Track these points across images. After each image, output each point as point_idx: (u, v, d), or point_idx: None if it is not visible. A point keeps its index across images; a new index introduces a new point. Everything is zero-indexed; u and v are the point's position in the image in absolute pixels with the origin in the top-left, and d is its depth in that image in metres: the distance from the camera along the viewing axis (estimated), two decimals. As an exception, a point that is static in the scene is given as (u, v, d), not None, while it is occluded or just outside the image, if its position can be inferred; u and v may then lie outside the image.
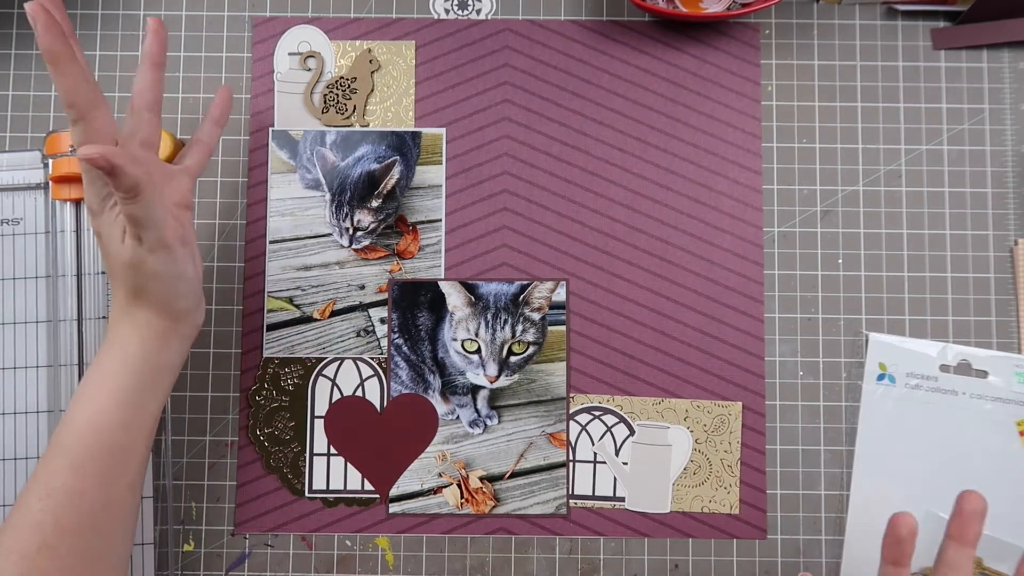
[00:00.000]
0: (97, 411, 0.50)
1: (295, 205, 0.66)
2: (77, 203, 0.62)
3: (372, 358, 0.65)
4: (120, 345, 0.52)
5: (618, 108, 0.66)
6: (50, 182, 0.62)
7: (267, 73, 0.66)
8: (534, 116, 0.66)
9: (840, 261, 0.66)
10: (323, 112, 0.66)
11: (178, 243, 0.51)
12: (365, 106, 0.66)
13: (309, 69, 0.66)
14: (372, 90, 0.66)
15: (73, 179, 0.61)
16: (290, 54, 0.67)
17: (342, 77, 0.66)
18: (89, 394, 0.50)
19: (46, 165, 0.62)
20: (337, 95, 0.66)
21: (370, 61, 0.66)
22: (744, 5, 0.65)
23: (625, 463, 0.64)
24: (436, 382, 0.64)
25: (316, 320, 0.65)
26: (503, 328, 0.64)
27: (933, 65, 0.67)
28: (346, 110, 0.66)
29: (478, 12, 0.67)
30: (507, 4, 0.67)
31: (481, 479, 0.64)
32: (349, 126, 0.66)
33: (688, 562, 0.63)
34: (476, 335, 0.64)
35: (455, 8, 0.67)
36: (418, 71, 0.67)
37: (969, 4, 0.65)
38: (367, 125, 0.66)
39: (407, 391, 0.64)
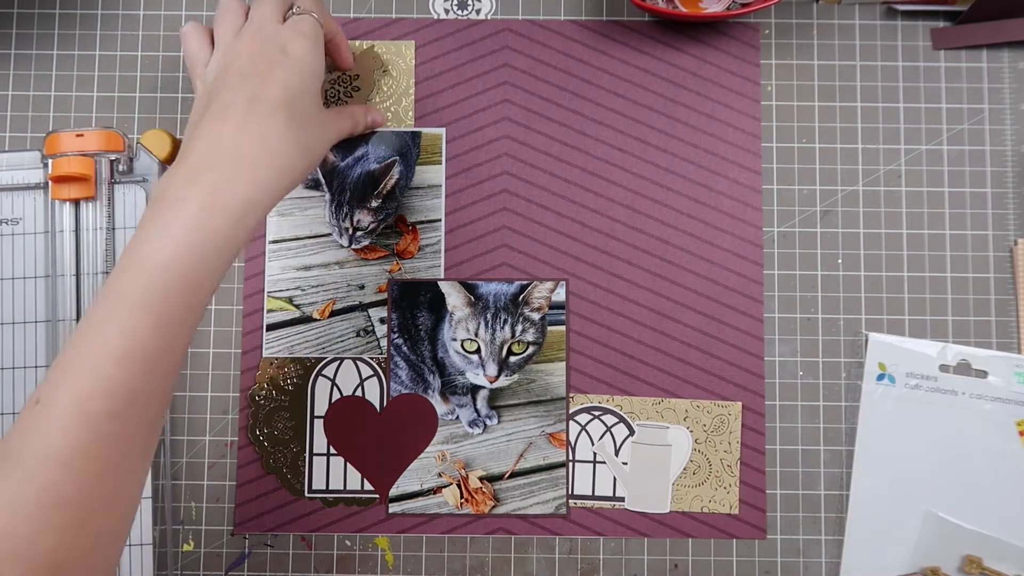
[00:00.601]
0: (185, 253, 0.44)
1: (295, 205, 0.66)
2: (76, 203, 0.62)
3: (372, 358, 0.65)
4: (232, 190, 0.46)
5: (618, 108, 0.66)
6: (50, 182, 0.62)
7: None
8: (534, 116, 0.66)
9: (840, 261, 0.66)
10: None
11: None
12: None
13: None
14: (374, 89, 0.66)
15: (72, 179, 0.61)
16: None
17: (344, 75, 0.66)
18: (182, 233, 0.44)
19: (46, 165, 0.62)
20: (339, 92, 0.66)
21: (373, 59, 0.66)
22: (744, 5, 0.65)
23: (625, 463, 0.64)
24: (436, 382, 0.64)
25: (316, 320, 0.65)
26: (503, 328, 0.64)
27: (933, 65, 0.67)
28: None
29: (478, 12, 0.67)
30: (507, 4, 0.67)
31: (481, 479, 0.64)
32: None
33: (688, 562, 0.63)
34: (476, 335, 0.64)
35: (455, 8, 0.67)
36: (418, 71, 0.67)
37: (969, 4, 0.65)
38: None
39: (407, 391, 0.64)
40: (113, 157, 0.62)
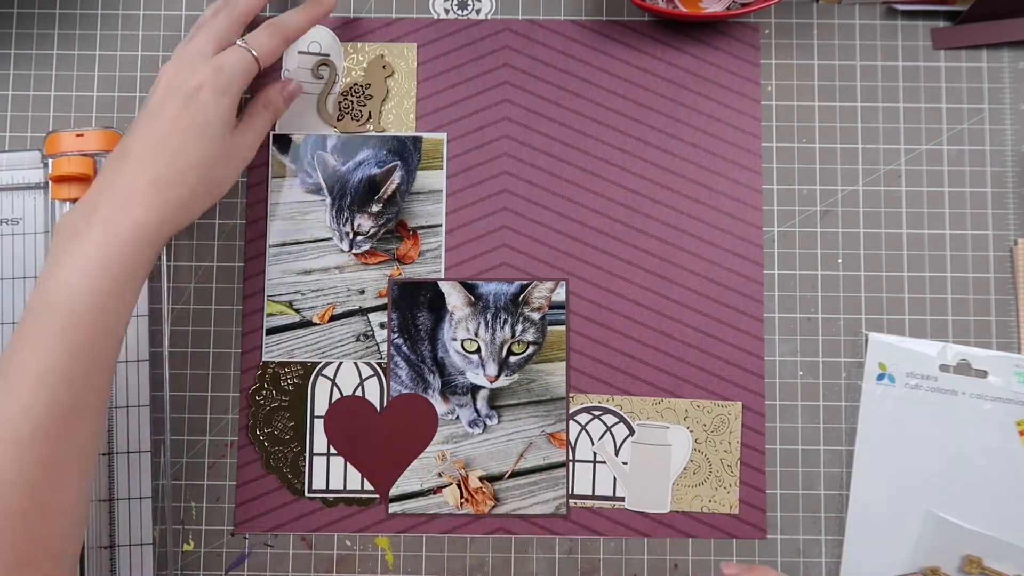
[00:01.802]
0: (91, 278, 0.48)
1: (295, 209, 0.65)
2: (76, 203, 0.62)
3: (371, 362, 0.65)
4: (129, 216, 0.50)
5: (618, 108, 0.66)
6: (50, 182, 0.62)
7: (266, 73, 0.66)
8: (534, 116, 0.66)
9: (840, 261, 0.66)
10: (338, 120, 0.66)
11: None
12: (380, 112, 0.66)
13: (321, 77, 0.66)
14: (387, 96, 0.66)
15: (73, 179, 0.61)
16: (300, 52, 0.66)
17: (356, 84, 0.66)
18: (84, 263, 0.49)
19: (46, 165, 0.62)
20: (352, 102, 0.66)
21: (383, 67, 0.66)
22: (744, 5, 0.65)
23: (625, 463, 0.64)
24: (436, 382, 0.64)
25: (316, 324, 0.65)
26: (503, 328, 0.64)
27: (933, 65, 0.67)
28: (361, 116, 0.66)
29: (478, 12, 0.67)
30: (507, 4, 0.67)
31: (481, 479, 0.64)
32: (365, 132, 0.66)
33: (688, 562, 0.63)
34: (476, 335, 0.64)
35: (455, 8, 0.67)
36: (418, 71, 0.67)
37: (969, 4, 0.65)
38: (384, 130, 0.66)
39: (407, 391, 0.64)
40: (113, 157, 0.62)
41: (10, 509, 0.45)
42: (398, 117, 0.66)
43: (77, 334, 0.47)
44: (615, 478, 0.64)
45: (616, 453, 0.64)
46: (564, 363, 0.64)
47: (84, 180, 0.61)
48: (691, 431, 0.64)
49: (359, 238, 0.65)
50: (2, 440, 0.45)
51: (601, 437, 0.64)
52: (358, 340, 0.65)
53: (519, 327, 0.64)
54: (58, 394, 0.47)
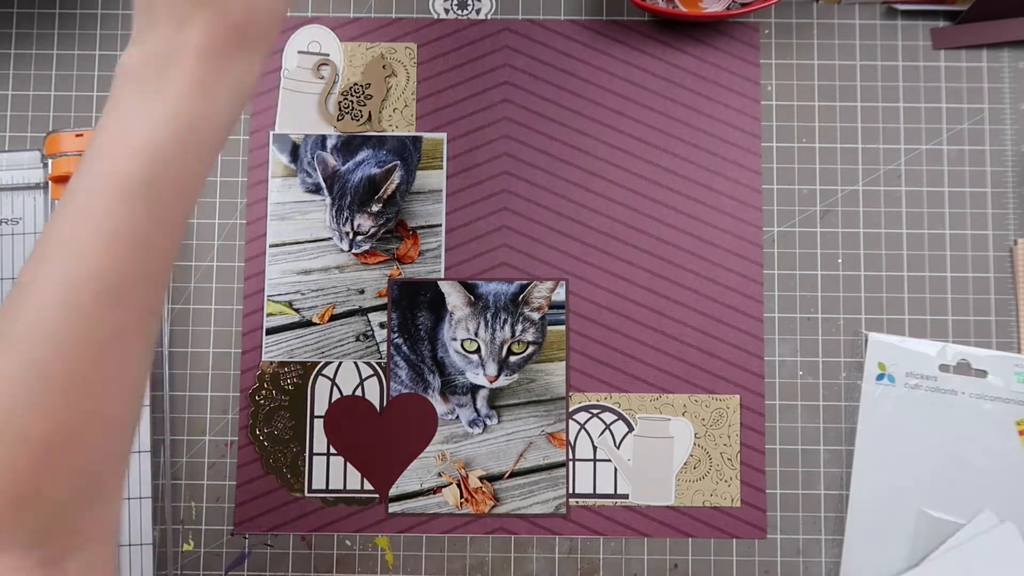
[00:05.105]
0: (174, 135, 0.41)
1: (295, 209, 0.66)
2: (77, 203, 0.62)
3: (371, 362, 0.65)
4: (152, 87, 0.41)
5: (618, 108, 0.66)
6: (50, 182, 0.62)
7: (266, 73, 0.66)
8: (534, 116, 0.66)
9: (840, 261, 0.66)
10: (338, 120, 0.66)
11: None
12: (380, 112, 0.66)
13: (322, 77, 0.66)
14: (387, 96, 0.66)
15: (73, 179, 0.61)
16: (300, 52, 0.66)
17: (356, 84, 0.66)
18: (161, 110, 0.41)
19: (46, 165, 0.62)
20: (352, 102, 0.66)
21: (383, 67, 0.66)
22: (744, 5, 0.65)
23: (628, 460, 0.64)
24: (436, 382, 0.64)
25: (315, 324, 0.65)
26: (503, 328, 0.64)
27: (933, 65, 0.67)
28: (361, 116, 0.66)
29: (478, 12, 0.67)
30: (507, 4, 0.67)
31: (481, 479, 0.64)
32: (365, 132, 0.66)
33: (688, 562, 0.63)
34: (476, 335, 0.64)
35: (455, 8, 0.67)
36: (418, 71, 0.67)
37: (969, 4, 0.65)
38: (384, 130, 0.66)
39: (407, 391, 0.64)
40: (113, 157, 0.62)
41: (64, 374, 0.39)
42: (398, 117, 0.66)
43: (157, 190, 0.41)
44: (616, 476, 0.64)
45: (616, 449, 0.64)
46: (564, 363, 0.64)
47: (84, 180, 0.61)
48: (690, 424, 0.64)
49: (359, 238, 0.65)
50: (68, 299, 0.39)
51: (600, 435, 0.64)
52: (358, 340, 0.65)
53: (519, 327, 0.64)
54: (128, 257, 0.40)
